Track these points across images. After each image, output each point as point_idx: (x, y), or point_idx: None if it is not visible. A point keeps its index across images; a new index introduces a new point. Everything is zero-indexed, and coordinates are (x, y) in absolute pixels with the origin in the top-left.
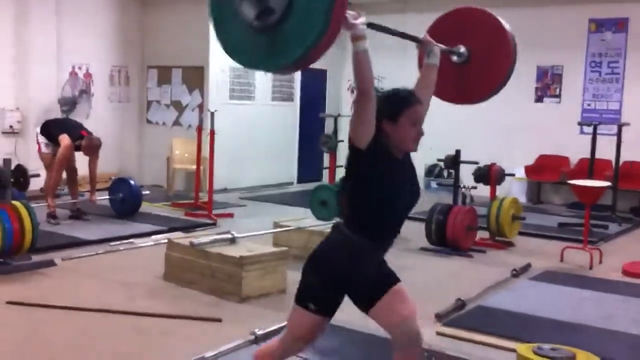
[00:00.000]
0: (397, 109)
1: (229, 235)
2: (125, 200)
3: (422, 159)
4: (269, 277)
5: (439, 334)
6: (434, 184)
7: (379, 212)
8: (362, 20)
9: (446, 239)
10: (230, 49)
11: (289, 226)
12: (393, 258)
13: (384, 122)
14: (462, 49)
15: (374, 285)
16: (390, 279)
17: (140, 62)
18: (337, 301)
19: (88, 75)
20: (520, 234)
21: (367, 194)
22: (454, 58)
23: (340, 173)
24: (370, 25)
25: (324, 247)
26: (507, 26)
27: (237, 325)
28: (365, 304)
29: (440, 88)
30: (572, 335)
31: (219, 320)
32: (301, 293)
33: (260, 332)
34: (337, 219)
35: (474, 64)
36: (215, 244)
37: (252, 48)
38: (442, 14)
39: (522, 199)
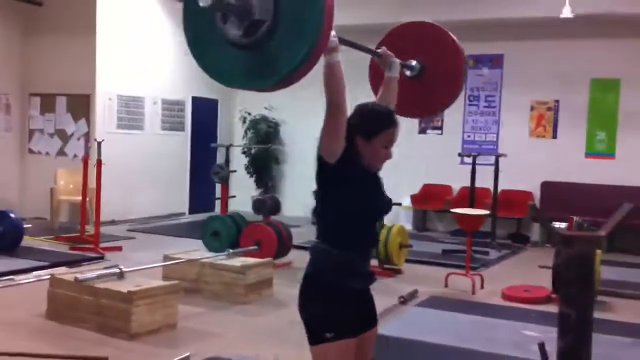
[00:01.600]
0: (374, 130)
1: (117, 270)
2: (5, 234)
3: (310, 186)
4: (160, 311)
5: None
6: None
7: (354, 223)
8: (333, 32)
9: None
10: (208, 67)
11: (179, 258)
12: (286, 288)
13: (357, 139)
14: (414, 63)
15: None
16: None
17: (22, 89)
18: (350, 317)
19: None
20: (407, 261)
21: (341, 206)
22: (407, 73)
23: (233, 204)
24: (339, 39)
25: (310, 271)
26: (456, 39)
27: None
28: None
29: (405, 108)
30: (459, 359)
31: (106, 359)
32: (312, 330)
33: None
34: (229, 250)
35: (427, 77)
36: (102, 279)
37: (233, 67)
38: (390, 29)
39: (409, 227)
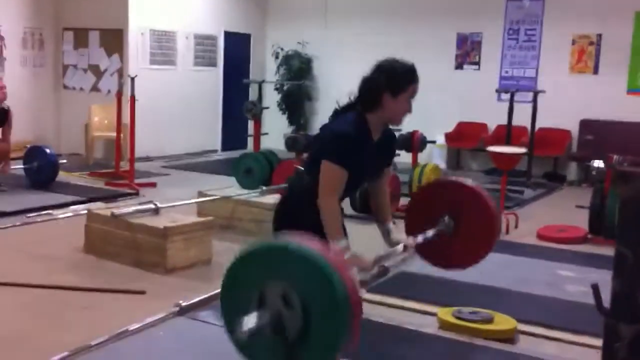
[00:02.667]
0: (401, 85)
1: (152, 206)
2: (41, 169)
3: None
4: (195, 247)
5: (364, 300)
6: None
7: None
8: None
9: (370, 206)
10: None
11: (213, 195)
12: None
13: (384, 96)
14: (447, 219)
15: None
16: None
17: (55, 24)
18: None
19: None
20: None
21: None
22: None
23: (265, 141)
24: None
25: (285, 199)
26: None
27: (161, 297)
28: None
29: (430, 256)
30: (491, 298)
31: (143, 293)
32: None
33: (185, 304)
34: (262, 187)
35: (460, 236)
36: (137, 215)
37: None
38: (427, 184)
39: (442, 165)
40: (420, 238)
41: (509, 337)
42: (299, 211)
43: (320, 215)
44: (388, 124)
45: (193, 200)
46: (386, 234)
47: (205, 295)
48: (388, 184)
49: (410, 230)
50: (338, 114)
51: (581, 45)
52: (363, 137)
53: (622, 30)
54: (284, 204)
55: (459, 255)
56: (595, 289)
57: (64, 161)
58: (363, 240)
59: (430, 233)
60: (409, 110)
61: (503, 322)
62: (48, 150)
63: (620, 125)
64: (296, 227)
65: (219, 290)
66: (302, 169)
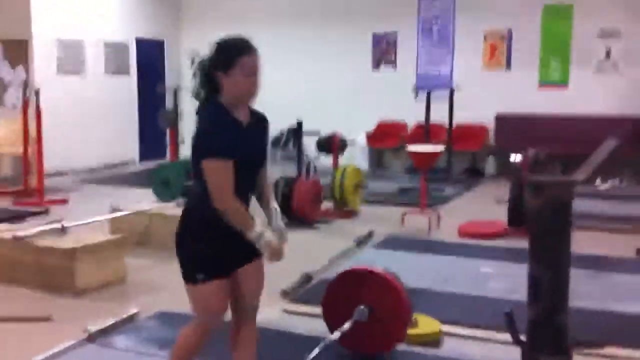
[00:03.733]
0: (230, 60)
1: (59, 225)
2: None
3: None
4: (106, 267)
5: (285, 311)
6: (280, 154)
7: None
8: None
9: (292, 211)
10: None
11: (127, 210)
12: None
13: (217, 74)
14: (362, 307)
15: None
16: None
17: None
18: (221, 258)
19: None
20: (364, 201)
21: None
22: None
23: (185, 149)
24: None
25: (184, 213)
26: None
27: (71, 322)
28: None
29: (352, 346)
30: (415, 300)
31: (48, 319)
32: (184, 270)
33: (94, 329)
34: (179, 199)
35: (376, 321)
36: (43, 236)
37: None
38: (340, 274)
39: (365, 166)
40: (337, 334)
41: (433, 340)
42: (199, 223)
43: (224, 217)
44: (245, 101)
45: (104, 217)
46: (272, 216)
47: (118, 319)
48: (306, 187)
49: (330, 322)
50: (200, 110)
51: (493, 41)
52: (228, 124)
53: (531, 24)
54: (183, 220)
55: (377, 341)
56: (509, 317)
57: None
58: (288, 247)
59: (346, 326)
60: (250, 87)
61: (427, 325)
62: None
63: (534, 118)
64: (200, 240)
65: (132, 311)
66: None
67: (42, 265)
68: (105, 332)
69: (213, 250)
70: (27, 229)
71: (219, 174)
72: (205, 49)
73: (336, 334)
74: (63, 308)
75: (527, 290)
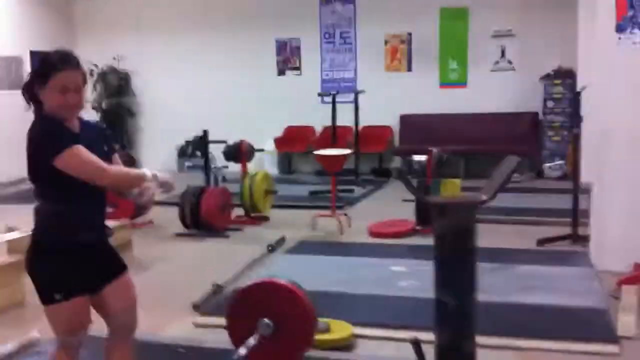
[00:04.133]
0: (44, 74)
1: None
2: None
3: (171, 139)
4: (4, 290)
5: (197, 325)
6: (187, 164)
7: (66, 181)
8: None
9: (201, 221)
10: None
11: (24, 230)
12: (148, 248)
13: (36, 88)
14: (267, 321)
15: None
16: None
17: None
18: (78, 275)
19: None
20: (274, 206)
21: (52, 170)
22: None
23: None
24: None
25: (34, 232)
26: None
27: None
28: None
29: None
30: (327, 304)
31: None
32: (40, 292)
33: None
34: None
35: (281, 333)
36: None
37: None
38: (239, 290)
39: (274, 171)
40: (242, 350)
41: (346, 344)
42: (50, 244)
43: (111, 186)
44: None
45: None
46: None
47: (18, 345)
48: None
49: (235, 338)
50: (31, 127)
51: (394, 45)
52: (62, 127)
53: (429, 27)
54: (33, 243)
55: (284, 352)
56: (416, 345)
57: None
58: (198, 257)
59: (252, 341)
60: (65, 102)
61: (339, 329)
62: None
63: (436, 117)
64: (53, 261)
65: (33, 336)
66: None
67: None
68: (6, 359)
69: (68, 269)
70: None
71: (79, 156)
72: (102, 60)
73: (242, 350)
74: None
75: (434, 313)
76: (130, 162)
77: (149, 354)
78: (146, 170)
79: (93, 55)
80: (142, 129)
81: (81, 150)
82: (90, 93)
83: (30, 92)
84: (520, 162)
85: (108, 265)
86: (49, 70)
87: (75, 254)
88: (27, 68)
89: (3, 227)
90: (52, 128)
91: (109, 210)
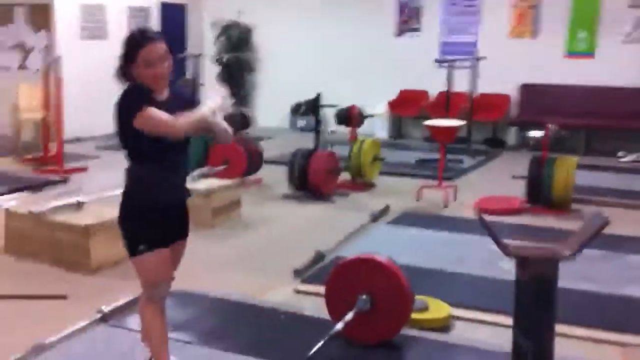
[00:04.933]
0: (131, 53)
1: (74, 201)
2: None
3: (286, 97)
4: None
5: (297, 291)
6: (300, 123)
7: (153, 147)
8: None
9: (308, 184)
10: None
11: None
12: (255, 207)
13: (130, 67)
14: (364, 296)
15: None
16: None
17: None
18: (160, 230)
19: None
20: (381, 173)
21: (140, 136)
22: (361, 307)
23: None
24: None
25: (124, 190)
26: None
27: (85, 301)
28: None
29: (354, 336)
30: (426, 281)
31: (64, 297)
32: (127, 243)
33: (108, 309)
34: (195, 172)
35: (377, 310)
36: (60, 211)
37: None
38: (340, 263)
39: (384, 135)
40: (340, 325)
41: (443, 325)
42: (139, 202)
43: (188, 134)
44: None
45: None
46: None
47: (131, 298)
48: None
49: (332, 310)
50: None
51: (521, 10)
52: (146, 94)
53: None
54: (123, 201)
55: (379, 329)
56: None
57: None
58: (303, 221)
59: (349, 315)
60: (154, 75)
61: (437, 309)
62: None
63: (559, 88)
64: (141, 218)
65: None
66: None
67: (58, 241)
68: (118, 311)
69: (151, 225)
70: (45, 199)
71: (150, 115)
72: (227, 15)
73: (339, 325)
74: (77, 285)
75: (511, 355)
76: (244, 122)
77: (249, 317)
78: (204, 108)
79: (218, 8)
80: (259, 85)
81: (152, 110)
82: (212, 46)
83: (124, 72)
84: (609, 222)
85: (182, 225)
86: (135, 47)
87: (158, 212)
88: (155, 19)
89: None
90: (133, 92)
91: (220, 168)
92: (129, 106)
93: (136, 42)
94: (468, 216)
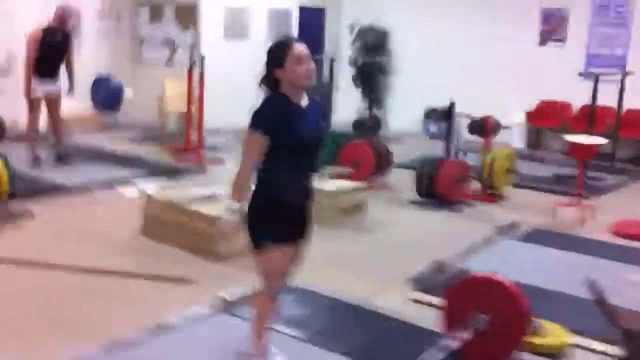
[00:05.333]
0: (279, 56)
1: (209, 192)
2: (107, 98)
3: (419, 101)
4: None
5: (412, 300)
6: (432, 129)
7: (285, 155)
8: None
9: (436, 191)
10: None
11: None
12: (380, 211)
13: (275, 72)
14: (482, 317)
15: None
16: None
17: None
18: (284, 228)
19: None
20: (514, 185)
21: (273, 143)
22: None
23: (339, 114)
24: None
25: (254, 188)
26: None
27: (208, 287)
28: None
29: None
30: (547, 304)
31: (189, 282)
32: (252, 237)
33: (228, 298)
34: (323, 171)
35: (494, 332)
36: (195, 200)
37: None
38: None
39: (521, 144)
40: (455, 343)
41: (559, 351)
42: (265, 203)
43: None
44: (302, 88)
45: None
46: None
47: (252, 289)
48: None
49: (448, 323)
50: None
51: None
52: (283, 105)
53: None
54: (252, 199)
55: (493, 351)
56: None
57: (128, 89)
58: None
59: (465, 334)
60: (307, 71)
61: (554, 334)
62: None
63: None
64: (266, 215)
65: None
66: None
67: (190, 228)
68: (238, 301)
69: (276, 221)
70: (183, 187)
71: (249, 143)
72: (364, 18)
73: (455, 343)
74: (204, 271)
75: None
76: (375, 124)
77: (361, 320)
78: (236, 205)
79: (355, 11)
80: (394, 88)
81: (256, 140)
82: (348, 48)
83: (269, 79)
84: None
85: (304, 226)
86: (283, 49)
87: (282, 210)
88: (294, 21)
89: None
90: (266, 106)
91: (349, 171)
92: (253, 118)
93: (285, 44)
94: (604, 239)
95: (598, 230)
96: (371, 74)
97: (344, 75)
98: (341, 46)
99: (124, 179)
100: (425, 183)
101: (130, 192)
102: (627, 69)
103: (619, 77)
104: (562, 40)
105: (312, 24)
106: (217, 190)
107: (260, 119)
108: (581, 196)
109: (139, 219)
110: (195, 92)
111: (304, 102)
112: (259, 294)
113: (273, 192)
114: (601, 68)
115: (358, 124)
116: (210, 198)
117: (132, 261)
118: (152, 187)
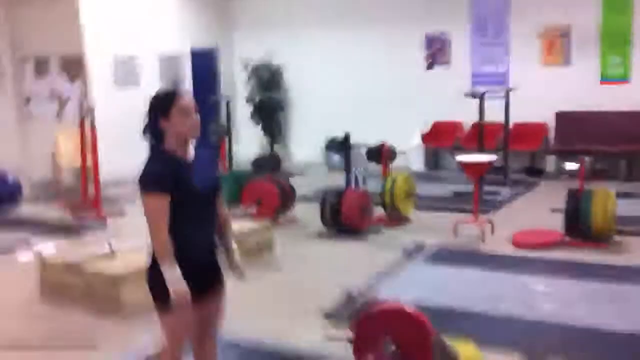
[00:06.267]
0: (165, 106)
1: (107, 249)
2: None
3: (319, 133)
4: None
5: (327, 337)
6: (335, 159)
7: (181, 211)
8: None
9: (341, 222)
10: None
11: None
12: (289, 246)
13: (160, 122)
14: (390, 346)
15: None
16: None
17: (12, 54)
18: (190, 287)
19: None
20: (417, 207)
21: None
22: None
23: (240, 154)
24: None
25: (152, 255)
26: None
27: (116, 349)
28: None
29: None
30: (459, 323)
31: (91, 347)
32: (155, 299)
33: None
34: None
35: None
36: (92, 259)
37: None
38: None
39: (420, 166)
40: None
41: None
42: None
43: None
44: (187, 139)
45: None
46: (230, 254)
47: (159, 347)
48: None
49: (358, 354)
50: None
51: (550, 38)
52: (170, 162)
53: (590, 17)
54: (152, 256)
55: None
56: None
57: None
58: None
59: None
60: (191, 124)
61: (467, 355)
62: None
63: (596, 115)
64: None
65: None
66: None
67: (91, 290)
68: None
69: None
70: (81, 245)
71: (155, 207)
72: (255, 54)
73: None
74: (111, 332)
75: None
76: (275, 161)
77: None
78: (176, 280)
79: (247, 49)
80: (293, 121)
81: (159, 201)
82: (244, 87)
83: (153, 128)
84: None
85: (213, 281)
86: (170, 98)
87: (186, 271)
88: (186, 66)
89: None
90: (159, 166)
91: (253, 209)
92: (146, 182)
93: (170, 94)
94: (506, 251)
95: (499, 243)
96: (269, 110)
97: (244, 113)
98: (237, 84)
99: (20, 242)
100: (330, 214)
101: (25, 255)
102: (510, 84)
103: (503, 93)
104: (447, 62)
105: (206, 65)
106: (119, 245)
107: (155, 179)
108: (478, 212)
109: (36, 284)
110: (89, 145)
111: (190, 154)
112: (163, 353)
113: (174, 251)
114: (487, 86)
115: (258, 162)
116: (110, 255)
117: (32, 328)
118: (50, 248)
